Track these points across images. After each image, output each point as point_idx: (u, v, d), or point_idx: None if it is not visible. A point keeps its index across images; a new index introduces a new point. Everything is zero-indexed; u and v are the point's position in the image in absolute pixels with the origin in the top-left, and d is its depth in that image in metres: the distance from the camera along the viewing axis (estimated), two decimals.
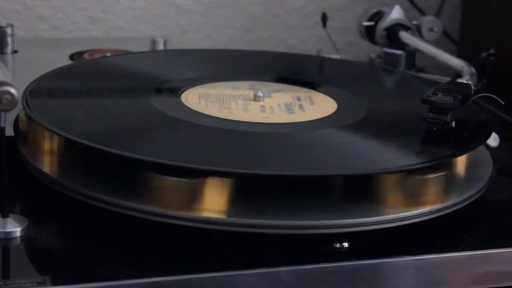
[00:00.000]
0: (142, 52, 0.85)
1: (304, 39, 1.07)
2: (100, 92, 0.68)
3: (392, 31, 0.86)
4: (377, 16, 0.89)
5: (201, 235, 0.53)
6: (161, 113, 0.63)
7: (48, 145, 0.60)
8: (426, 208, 0.56)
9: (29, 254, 0.52)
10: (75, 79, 0.70)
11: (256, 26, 1.06)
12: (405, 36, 0.85)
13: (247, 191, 0.54)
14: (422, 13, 1.02)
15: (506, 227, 0.59)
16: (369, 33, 0.89)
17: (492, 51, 0.78)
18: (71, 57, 0.86)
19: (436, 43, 0.85)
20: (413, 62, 0.85)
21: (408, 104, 0.68)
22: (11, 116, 0.59)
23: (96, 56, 0.86)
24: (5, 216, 0.54)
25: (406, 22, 0.87)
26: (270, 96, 0.69)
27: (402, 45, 0.85)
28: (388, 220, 0.55)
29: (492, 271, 0.55)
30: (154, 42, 0.89)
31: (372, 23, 0.88)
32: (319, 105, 0.68)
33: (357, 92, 0.71)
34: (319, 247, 0.53)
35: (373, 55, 0.91)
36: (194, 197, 0.53)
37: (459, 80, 0.68)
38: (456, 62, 0.76)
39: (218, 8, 1.04)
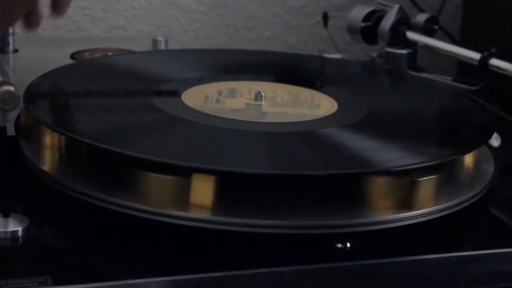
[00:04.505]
0: (143, 51, 0.85)
1: (305, 39, 1.07)
2: (101, 91, 0.68)
3: (397, 31, 0.86)
4: (372, 16, 0.88)
5: (202, 235, 0.53)
6: (162, 113, 0.63)
7: (50, 144, 0.60)
8: (427, 209, 0.56)
9: (30, 254, 0.52)
10: (76, 78, 0.70)
11: (256, 26, 1.06)
12: (413, 35, 0.85)
13: (246, 190, 0.54)
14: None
15: (507, 227, 0.59)
16: (365, 34, 0.88)
17: (493, 50, 0.78)
18: (72, 56, 0.86)
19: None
20: (414, 61, 0.85)
21: (409, 104, 0.68)
22: (12, 115, 0.59)
23: (97, 55, 0.86)
24: (6, 215, 0.54)
25: (410, 21, 0.87)
26: (270, 96, 0.69)
27: (406, 44, 0.85)
28: (388, 220, 0.54)
29: (492, 271, 0.55)
30: (155, 42, 0.89)
31: (369, 23, 0.88)
32: (319, 105, 0.68)
33: (358, 92, 0.70)
34: (319, 247, 0.53)
35: (374, 55, 0.91)
36: (195, 196, 0.54)
37: None
38: (469, 54, 0.78)
39: (219, 8, 1.04)
